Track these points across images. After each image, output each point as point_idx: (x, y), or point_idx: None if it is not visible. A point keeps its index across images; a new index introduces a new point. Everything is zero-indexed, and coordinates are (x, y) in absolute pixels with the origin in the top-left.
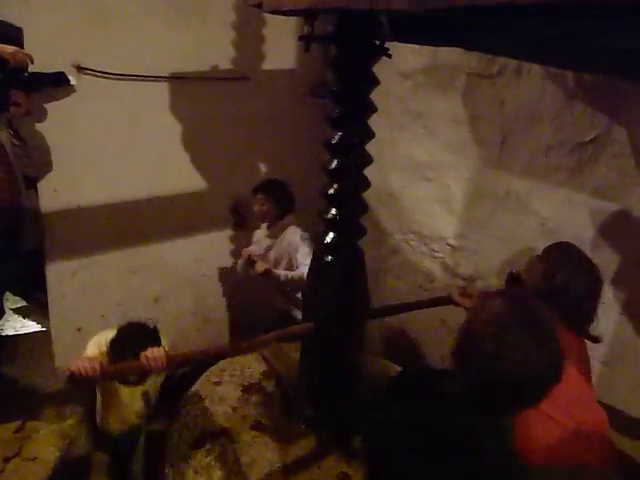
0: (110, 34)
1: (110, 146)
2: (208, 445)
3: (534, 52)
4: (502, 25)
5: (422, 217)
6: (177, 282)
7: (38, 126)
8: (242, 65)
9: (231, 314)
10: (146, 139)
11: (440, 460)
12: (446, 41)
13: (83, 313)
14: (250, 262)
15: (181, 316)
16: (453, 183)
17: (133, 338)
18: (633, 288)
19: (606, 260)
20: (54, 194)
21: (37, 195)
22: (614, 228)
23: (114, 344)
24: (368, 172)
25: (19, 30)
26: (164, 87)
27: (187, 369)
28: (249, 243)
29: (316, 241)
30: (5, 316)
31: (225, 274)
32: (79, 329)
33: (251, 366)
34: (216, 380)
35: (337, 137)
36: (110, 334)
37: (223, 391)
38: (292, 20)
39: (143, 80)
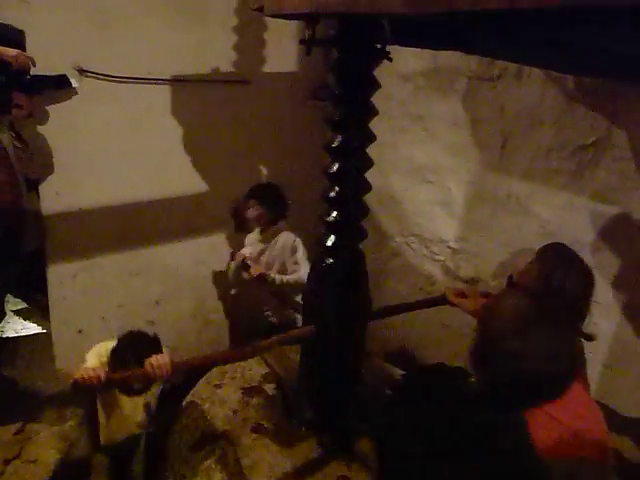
0: (112, 37)
1: (111, 149)
2: (208, 447)
3: (534, 56)
4: (502, 29)
5: (423, 220)
6: (178, 284)
7: (40, 128)
8: (243, 68)
9: (231, 316)
10: (147, 142)
11: (458, 460)
12: (447, 44)
13: (84, 315)
14: (245, 265)
15: (181, 318)
16: (454, 186)
17: (135, 347)
18: (633, 291)
19: (607, 263)
20: (55, 196)
21: (38, 197)
22: (614, 231)
23: (115, 353)
24: (369, 175)
25: (21, 33)
26: (165, 90)
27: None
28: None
29: (317, 244)
30: (6, 318)
31: (226, 277)
32: (80, 331)
33: (252, 369)
34: (217, 383)
35: (338, 140)
36: (110, 344)
37: (224, 393)
38: (292, 23)
39: (144, 83)
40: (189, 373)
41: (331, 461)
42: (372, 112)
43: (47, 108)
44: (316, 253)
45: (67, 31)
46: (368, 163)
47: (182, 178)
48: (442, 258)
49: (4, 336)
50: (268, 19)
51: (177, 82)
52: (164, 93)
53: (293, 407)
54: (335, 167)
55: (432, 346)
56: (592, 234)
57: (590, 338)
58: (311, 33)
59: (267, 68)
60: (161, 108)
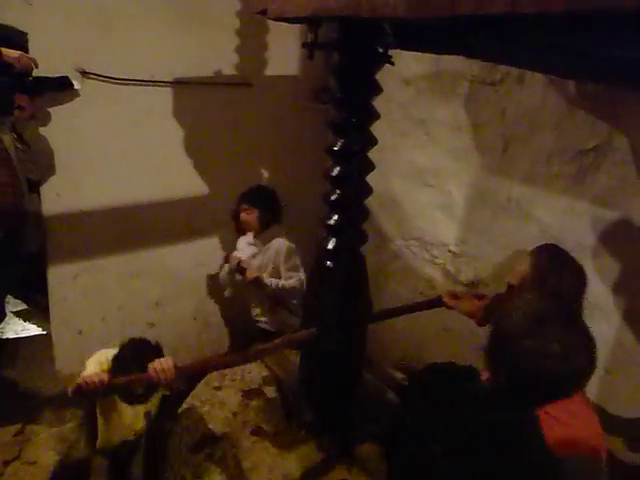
0: (114, 39)
1: (112, 150)
2: (208, 449)
3: (536, 60)
4: (504, 33)
5: (424, 223)
6: (178, 286)
7: (42, 130)
8: (245, 71)
9: (232, 318)
10: (148, 144)
11: (471, 459)
12: (448, 48)
13: (84, 316)
14: (240, 269)
15: (182, 320)
16: (455, 189)
17: (137, 354)
18: (634, 296)
19: (607, 267)
20: (56, 198)
21: (39, 199)
22: (615, 236)
23: (118, 360)
24: (370, 178)
25: (23, 35)
26: (167, 92)
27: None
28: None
29: (317, 247)
30: (6, 319)
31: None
32: (80, 332)
33: (252, 371)
34: (217, 385)
35: (339, 143)
36: (110, 352)
37: (224, 396)
38: (294, 26)
39: (146, 85)
40: (193, 379)
41: (331, 464)
42: (374, 116)
43: (49, 110)
44: (317, 256)
45: (69, 33)
46: (369, 166)
47: (183, 180)
48: (442, 261)
49: (4, 337)
50: (270, 22)
51: (179, 84)
52: (165, 95)
53: (293, 410)
54: (336, 170)
55: (433, 349)
56: (593, 238)
57: None
58: (313, 36)
59: (269, 71)
60: (162, 110)
